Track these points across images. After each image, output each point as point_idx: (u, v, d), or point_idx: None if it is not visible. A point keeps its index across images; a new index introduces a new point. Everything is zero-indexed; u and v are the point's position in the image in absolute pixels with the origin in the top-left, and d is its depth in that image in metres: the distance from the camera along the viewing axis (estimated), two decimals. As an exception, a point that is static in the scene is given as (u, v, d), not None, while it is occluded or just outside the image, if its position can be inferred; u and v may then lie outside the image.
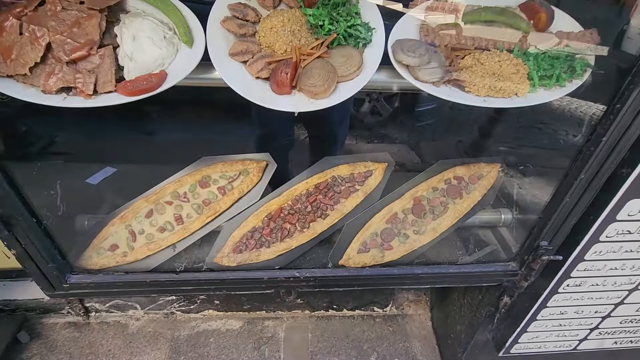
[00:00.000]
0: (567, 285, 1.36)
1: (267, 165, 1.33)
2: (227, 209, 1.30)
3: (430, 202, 1.38)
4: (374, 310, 2.30)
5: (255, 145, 1.70)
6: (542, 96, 0.96)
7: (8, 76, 0.86)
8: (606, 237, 1.20)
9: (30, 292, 1.98)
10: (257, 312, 2.19)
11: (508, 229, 1.50)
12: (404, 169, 1.44)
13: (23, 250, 1.03)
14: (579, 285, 1.36)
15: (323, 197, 1.34)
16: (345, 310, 2.25)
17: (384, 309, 2.31)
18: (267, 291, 1.23)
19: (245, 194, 1.31)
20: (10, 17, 0.84)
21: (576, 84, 0.98)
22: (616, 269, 1.31)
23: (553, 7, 1.03)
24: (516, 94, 0.96)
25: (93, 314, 2.12)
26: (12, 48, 0.84)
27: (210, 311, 2.17)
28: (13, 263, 1.43)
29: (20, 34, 0.85)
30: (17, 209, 0.96)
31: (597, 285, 1.37)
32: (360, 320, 2.25)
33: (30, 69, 0.85)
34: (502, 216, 1.49)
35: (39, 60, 0.85)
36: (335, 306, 2.21)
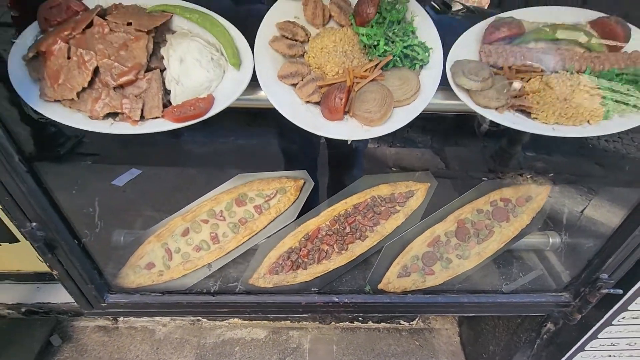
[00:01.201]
0: (623, 318, 1.26)
1: (304, 183, 1.29)
2: (263, 228, 1.27)
3: (474, 225, 1.30)
4: (400, 324, 2.24)
5: (284, 159, 1.64)
6: (616, 124, 0.88)
7: (55, 101, 0.83)
8: (672, 271, 1.11)
9: (63, 295, 2.00)
10: (282, 322, 2.16)
11: (555, 254, 1.41)
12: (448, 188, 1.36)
13: (65, 271, 1.02)
14: (636, 318, 1.27)
15: (362, 218, 1.28)
16: (370, 322, 2.20)
17: (411, 323, 2.24)
18: (304, 315, 1.19)
19: (282, 213, 1.27)
20: (59, 41, 0.81)
21: (656, 110, 0.89)
22: (679, 302, 1.22)
23: (629, 25, 0.94)
24: (588, 121, 0.88)
25: (121, 318, 2.14)
26: (60, 72, 0.81)
27: (236, 319, 2.16)
28: (46, 266, 1.46)
29: (68, 57, 0.82)
30: (60, 232, 0.95)
31: (656, 318, 1.28)
32: (386, 334, 2.20)
33: (78, 94, 0.82)
34: (550, 240, 1.40)
35: (86, 84, 0.82)
36: (360, 318, 2.17)
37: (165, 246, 1.24)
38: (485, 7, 1.15)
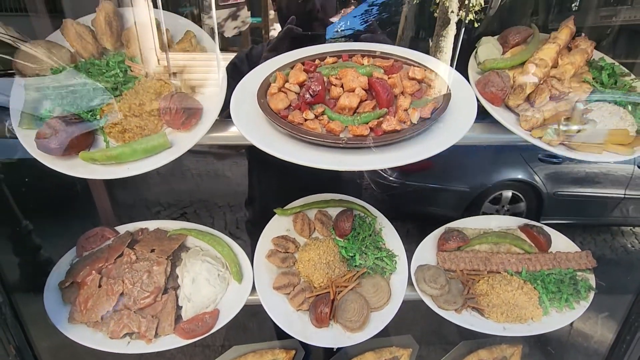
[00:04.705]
0: None
1: (296, 352, 1.37)
2: (256, 407, 1.29)
3: (459, 391, 1.37)
4: None
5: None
6: (556, 320, 1.06)
7: (80, 322, 0.97)
8: None
9: None
10: None
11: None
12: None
13: None
14: None
15: (351, 390, 1.34)
16: None
17: None
18: None
19: (274, 387, 1.32)
20: (93, 272, 0.99)
21: (584, 306, 1.08)
22: None
23: (549, 230, 1.20)
24: (532, 318, 1.06)
25: None
26: (89, 299, 0.97)
27: None
28: None
29: (99, 286, 0.99)
30: None
31: None
32: None
33: (102, 316, 0.96)
34: (532, 398, 1.46)
35: (111, 309, 0.97)
36: None
37: None
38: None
